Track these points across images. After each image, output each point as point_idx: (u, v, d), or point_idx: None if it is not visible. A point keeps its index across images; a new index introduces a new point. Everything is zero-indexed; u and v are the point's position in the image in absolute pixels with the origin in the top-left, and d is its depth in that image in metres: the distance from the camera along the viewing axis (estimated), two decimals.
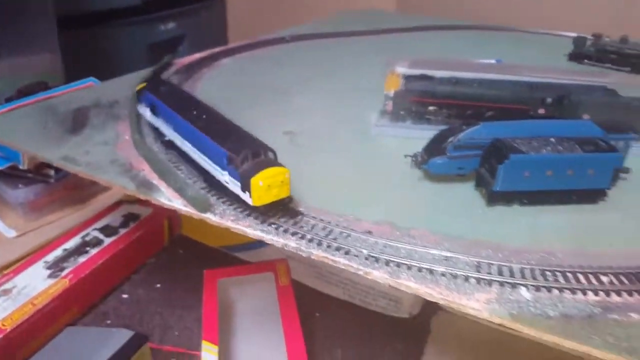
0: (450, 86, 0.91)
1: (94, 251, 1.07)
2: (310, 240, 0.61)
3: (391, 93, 0.95)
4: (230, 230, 0.63)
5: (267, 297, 1.02)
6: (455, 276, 0.56)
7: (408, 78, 0.94)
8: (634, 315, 0.51)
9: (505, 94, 0.89)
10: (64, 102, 1.01)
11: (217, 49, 1.41)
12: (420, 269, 0.57)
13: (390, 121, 0.95)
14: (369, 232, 0.62)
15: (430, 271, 0.56)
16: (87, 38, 1.80)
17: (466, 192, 0.74)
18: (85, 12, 1.76)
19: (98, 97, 1.03)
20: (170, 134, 0.75)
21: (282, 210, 0.65)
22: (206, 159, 0.66)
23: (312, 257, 0.59)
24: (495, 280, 0.55)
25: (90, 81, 1.23)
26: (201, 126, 0.68)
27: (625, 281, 0.55)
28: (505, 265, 0.57)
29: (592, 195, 0.70)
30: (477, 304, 0.52)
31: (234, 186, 0.62)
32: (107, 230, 1.14)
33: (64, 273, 0.98)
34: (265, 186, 0.59)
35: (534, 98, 0.88)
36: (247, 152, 0.61)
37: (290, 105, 1.05)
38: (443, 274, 0.56)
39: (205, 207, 0.64)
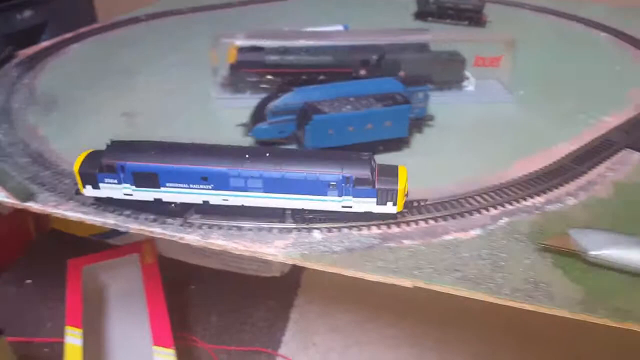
0: (278, 56, 0.96)
1: None
2: (128, 216, 0.64)
3: (228, 66, 0.99)
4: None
5: (133, 278, 1.06)
6: (260, 229, 0.62)
7: (241, 50, 0.98)
8: (405, 242, 0.59)
9: (328, 59, 0.95)
10: None
11: (66, 35, 1.38)
12: (229, 228, 0.62)
13: (230, 93, 1.00)
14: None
15: (239, 228, 0.62)
16: None
17: None
18: None
19: None
20: (197, 197, 0.63)
21: None
22: (298, 197, 0.61)
23: (131, 230, 0.63)
24: (295, 228, 0.61)
25: None
26: (281, 165, 0.60)
27: (407, 213, 0.64)
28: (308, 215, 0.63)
29: (396, 144, 0.79)
30: (275, 249, 0.58)
31: (363, 205, 0.61)
32: None
33: None
34: (406, 188, 0.61)
35: (355, 60, 0.95)
36: (371, 166, 0.60)
37: (133, 85, 1.06)
38: (250, 229, 0.62)
39: (27, 197, 0.66)
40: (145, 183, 0.63)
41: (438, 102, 0.95)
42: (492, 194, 0.67)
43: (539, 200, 0.67)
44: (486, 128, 0.89)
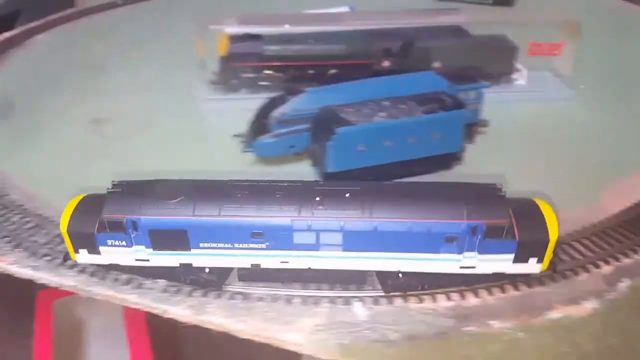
0: (279, 45, 0.77)
1: None
2: (93, 274, 0.46)
3: (218, 59, 0.80)
4: None
5: (113, 313, 0.88)
6: (276, 299, 0.43)
7: (234, 39, 0.79)
8: (493, 323, 0.41)
9: (342, 48, 0.76)
10: None
11: (31, 24, 1.18)
12: (232, 296, 0.44)
13: (222, 93, 0.80)
14: None
15: (245, 296, 0.44)
16: None
17: (306, 172, 0.61)
18: None
19: None
20: (244, 259, 0.44)
21: None
22: (396, 255, 0.43)
23: (97, 297, 0.45)
24: (339, 298, 0.43)
25: None
26: (371, 212, 0.42)
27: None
28: None
29: (443, 161, 0.60)
30: (299, 334, 0.40)
31: (492, 264, 0.42)
32: None
33: None
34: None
35: (376, 49, 0.76)
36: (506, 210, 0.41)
37: (104, 84, 0.87)
38: (260, 298, 0.43)
39: None
40: (168, 244, 0.43)
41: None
42: (594, 238, 0.49)
43: None
44: (551, 137, 0.70)
